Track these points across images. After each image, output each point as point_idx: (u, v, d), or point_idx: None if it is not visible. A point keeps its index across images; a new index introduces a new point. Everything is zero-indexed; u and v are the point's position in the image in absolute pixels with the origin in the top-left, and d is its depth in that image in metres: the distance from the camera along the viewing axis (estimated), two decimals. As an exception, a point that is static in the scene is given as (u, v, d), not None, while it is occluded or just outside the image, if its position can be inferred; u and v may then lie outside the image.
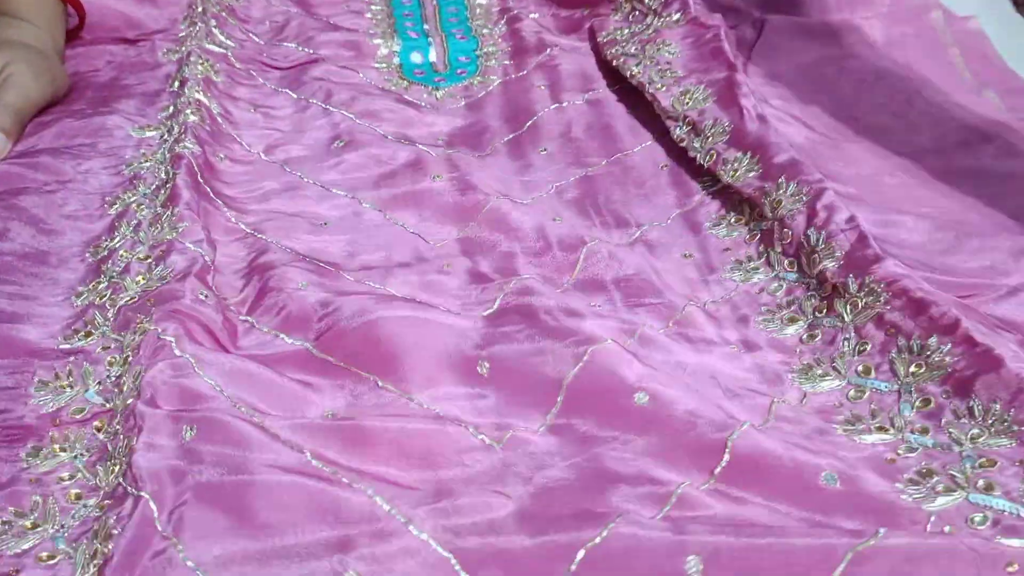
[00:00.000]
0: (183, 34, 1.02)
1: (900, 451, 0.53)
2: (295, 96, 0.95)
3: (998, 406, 0.52)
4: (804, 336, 0.64)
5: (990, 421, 0.52)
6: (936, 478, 0.50)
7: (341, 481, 0.49)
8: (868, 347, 0.60)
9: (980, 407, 0.52)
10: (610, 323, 0.62)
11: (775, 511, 0.49)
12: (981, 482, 0.49)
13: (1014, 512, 0.47)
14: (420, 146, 0.86)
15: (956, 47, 0.99)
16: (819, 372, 0.60)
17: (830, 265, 0.64)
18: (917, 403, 0.55)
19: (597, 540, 0.44)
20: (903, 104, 0.90)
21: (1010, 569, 0.42)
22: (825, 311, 0.64)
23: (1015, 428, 0.51)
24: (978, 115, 0.87)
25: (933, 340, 0.56)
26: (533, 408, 0.56)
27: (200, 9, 1.03)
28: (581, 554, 0.44)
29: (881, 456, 0.53)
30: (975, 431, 0.52)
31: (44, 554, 0.48)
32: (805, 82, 0.94)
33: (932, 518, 0.48)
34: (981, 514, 0.47)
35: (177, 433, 0.50)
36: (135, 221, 0.72)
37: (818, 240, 0.66)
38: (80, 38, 1.01)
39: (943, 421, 0.53)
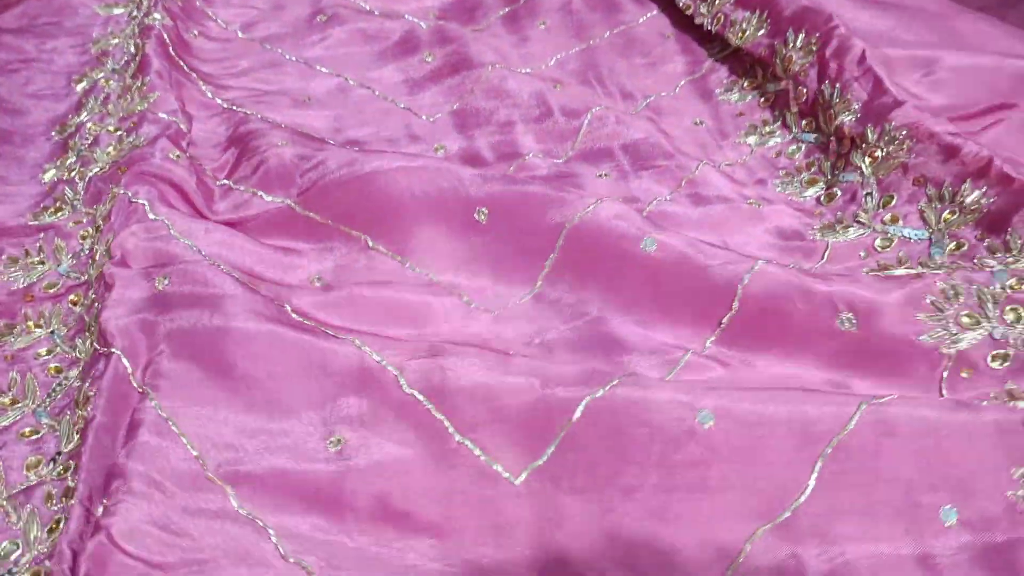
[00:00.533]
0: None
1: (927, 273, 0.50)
2: (273, -26, 0.88)
3: None
4: (823, 197, 0.60)
5: None
6: (961, 300, 0.47)
7: (325, 333, 0.46)
8: (894, 200, 0.56)
9: (1017, 239, 0.49)
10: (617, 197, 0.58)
11: (785, 367, 0.47)
12: (1009, 313, 0.46)
13: None
14: (409, 17, 0.80)
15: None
16: (842, 226, 0.57)
17: (847, 119, 0.60)
18: (950, 247, 0.52)
19: (600, 393, 0.42)
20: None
21: None
22: (843, 167, 0.60)
23: None
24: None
25: (967, 185, 0.52)
26: (531, 255, 0.53)
27: None
28: (584, 403, 0.42)
29: (907, 280, 0.50)
30: (1010, 259, 0.49)
31: (27, 430, 0.47)
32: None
33: (949, 362, 0.46)
34: (1002, 353, 0.45)
35: (150, 287, 0.48)
36: (103, 95, 0.67)
37: (833, 94, 0.62)
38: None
39: (976, 258, 0.50)
